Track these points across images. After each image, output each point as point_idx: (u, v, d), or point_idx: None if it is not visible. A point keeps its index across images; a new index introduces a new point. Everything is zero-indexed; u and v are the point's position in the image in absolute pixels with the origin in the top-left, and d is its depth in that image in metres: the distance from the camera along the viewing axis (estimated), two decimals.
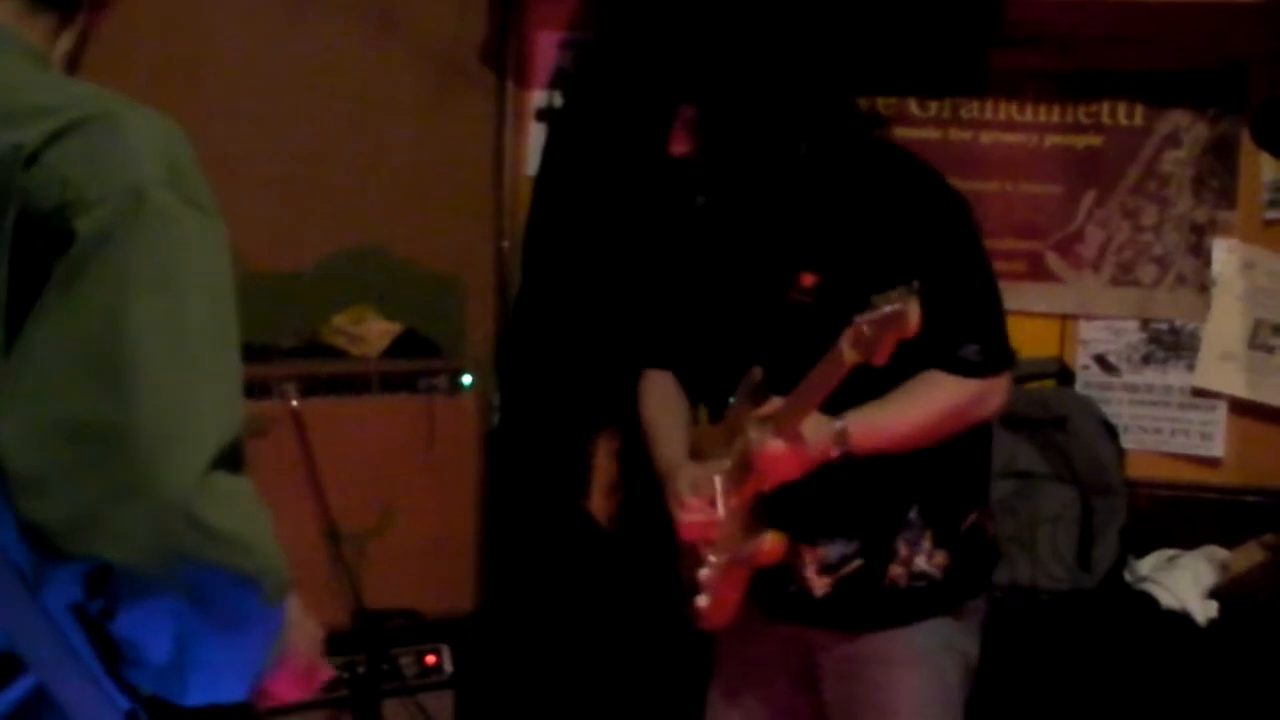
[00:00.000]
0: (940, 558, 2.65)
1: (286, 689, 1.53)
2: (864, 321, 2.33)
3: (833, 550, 2.65)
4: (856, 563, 2.64)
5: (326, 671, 1.62)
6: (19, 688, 1.37)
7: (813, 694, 2.76)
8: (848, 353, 2.36)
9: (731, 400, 2.68)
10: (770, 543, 2.61)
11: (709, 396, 2.79)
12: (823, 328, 2.42)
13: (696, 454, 2.75)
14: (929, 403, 2.57)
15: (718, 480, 2.64)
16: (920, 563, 2.64)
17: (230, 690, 1.40)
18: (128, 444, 1.30)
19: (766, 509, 2.61)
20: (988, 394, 2.61)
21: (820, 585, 2.66)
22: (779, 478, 2.55)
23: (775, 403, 2.54)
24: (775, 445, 2.51)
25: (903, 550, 2.64)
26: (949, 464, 2.65)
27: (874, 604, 2.66)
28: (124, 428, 1.30)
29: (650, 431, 2.86)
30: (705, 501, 2.65)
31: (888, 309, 2.31)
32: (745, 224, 2.71)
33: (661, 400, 2.87)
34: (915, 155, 2.74)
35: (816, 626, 2.70)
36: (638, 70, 3.62)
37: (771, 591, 2.70)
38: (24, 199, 1.34)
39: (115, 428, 1.30)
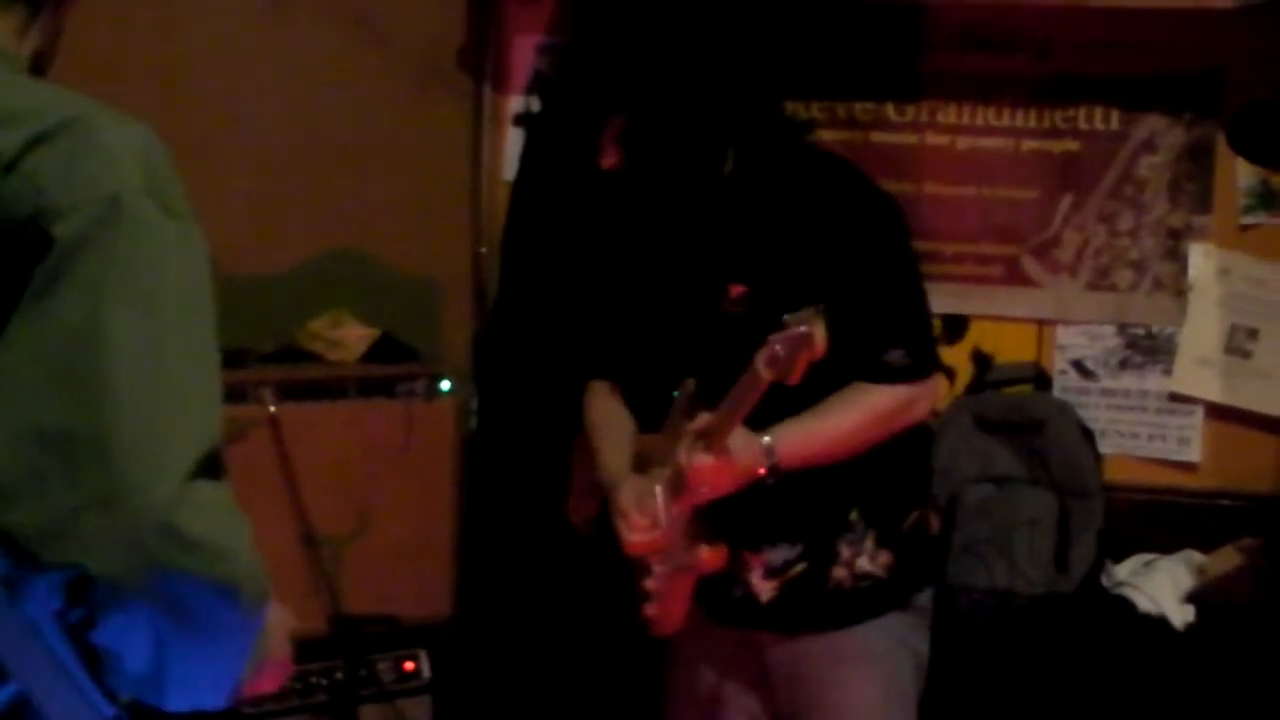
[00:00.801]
0: (884, 558, 2.67)
1: (261, 683, 1.52)
2: (776, 341, 2.35)
3: (776, 555, 2.66)
4: (800, 566, 2.66)
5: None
6: (0, 695, 1.36)
7: (767, 696, 2.78)
8: (763, 372, 2.37)
9: (671, 411, 2.68)
10: (708, 553, 2.63)
11: (652, 406, 2.78)
12: (754, 338, 2.41)
13: (645, 462, 2.74)
14: (855, 413, 2.58)
15: (659, 491, 2.64)
16: (863, 564, 2.66)
17: (210, 698, 1.40)
18: (105, 452, 1.29)
19: (708, 517, 2.62)
20: (915, 399, 2.62)
21: (766, 590, 2.68)
22: (710, 492, 2.56)
23: (704, 418, 2.54)
24: (702, 460, 2.52)
25: (845, 552, 2.65)
26: (888, 466, 2.66)
27: (821, 606, 2.67)
28: (101, 436, 1.30)
29: (593, 443, 2.86)
30: (649, 517, 2.65)
31: (797, 330, 2.32)
32: (677, 235, 2.71)
33: (604, 411, 2.87)
34: (844, 160, 2.73)
35: (765, 630, 2.71)
36: (606, 76, 3.62)
37: (718, 597, 2.71)
38: (2, 206, 1.34)
39: (92, 436, 1.30)
